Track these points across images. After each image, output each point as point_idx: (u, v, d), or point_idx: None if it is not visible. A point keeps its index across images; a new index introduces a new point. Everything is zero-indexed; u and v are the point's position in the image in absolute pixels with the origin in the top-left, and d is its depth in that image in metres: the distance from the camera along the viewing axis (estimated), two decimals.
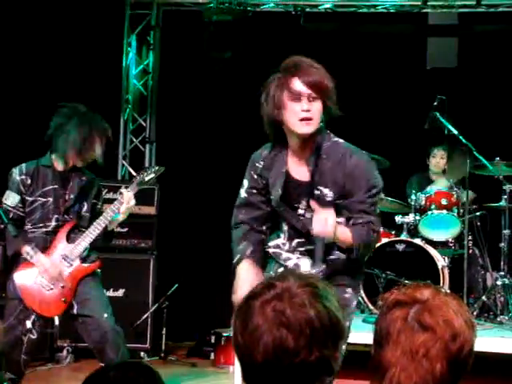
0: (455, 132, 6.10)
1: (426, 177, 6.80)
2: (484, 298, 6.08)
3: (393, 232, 6.20)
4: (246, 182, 3.33)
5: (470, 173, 6.17)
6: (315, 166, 3.10)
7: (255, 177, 3.27)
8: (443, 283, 5.75)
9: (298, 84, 3.00)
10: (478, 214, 6.30)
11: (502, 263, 6.01)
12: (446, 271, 5.87)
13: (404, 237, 6.07)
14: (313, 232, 3.00)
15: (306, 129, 3.03)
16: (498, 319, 5.81)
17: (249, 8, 7.01)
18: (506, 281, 5.95)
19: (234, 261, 3.28)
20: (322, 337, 1.57)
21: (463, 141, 6.04)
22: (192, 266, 7.09)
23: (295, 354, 1.54)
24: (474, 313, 5.94)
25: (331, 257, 3.18)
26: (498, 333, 5.44)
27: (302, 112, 2.99)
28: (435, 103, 6.16)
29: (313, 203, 3.02)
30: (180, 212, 7.26)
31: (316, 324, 1.57)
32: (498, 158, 6.06)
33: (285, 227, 3.25)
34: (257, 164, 3.27)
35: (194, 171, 7.31)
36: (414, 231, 6.17)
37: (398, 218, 6.25)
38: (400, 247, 5.97)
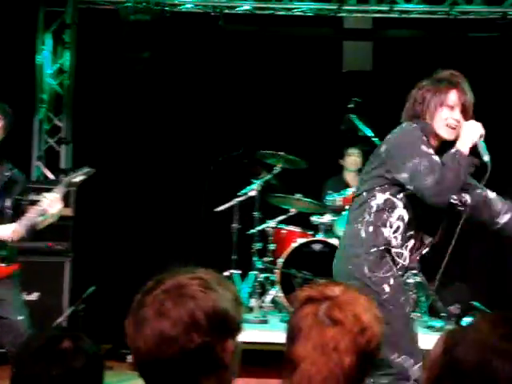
0: (369, 134, 6.24)
1: (342, 180, 6.92)
2: None
3: (309, 232, 6.29)
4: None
5: None
6: None
7: None
8: None
9: (454, 96, 3.32)
10: None
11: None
12: None
13: (320, 237, 6.15)
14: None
15: (449, 135, 3.32)
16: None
17: (166, 8, 6.98)
18: (418, 279, 6.12)
19: None
20: (203, 326, 1.60)
21: (376, 143, 6.18)
22: (109, 269, 7.01)
23: (174, 341, 1.57)
24: None
25: None
26: None
27: (451, 119, 3.30)
28: (351, 105, 6.29)
29: None
30: (97, 214, 7.16)
31: (198, 313, 1.60)
32: None
33: None
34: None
35: (111, 172, 7.23)
36: (330, 231, 6.27)
37: (315, 219, 6.34)
38: (316, 247, 6.06)
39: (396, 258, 3.32)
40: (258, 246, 6.34)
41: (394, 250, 3.30)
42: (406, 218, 3.31)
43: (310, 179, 6.77)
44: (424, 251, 3.48)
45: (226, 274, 6.21)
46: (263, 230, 6.37)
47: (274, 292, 6.04)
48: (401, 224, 3.30)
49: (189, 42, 7.34)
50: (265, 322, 5.61)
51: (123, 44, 6.89)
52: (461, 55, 7.27)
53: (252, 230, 6.34)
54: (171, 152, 7.39)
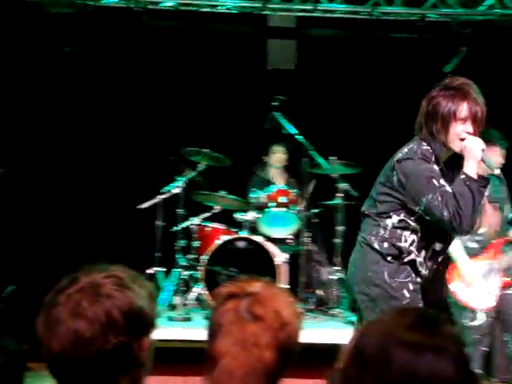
0: (293, 132, 6.30)
1: (266, 175, 6.95)
2: (319, 291, 6.33)
3: (233, 230, 6.30)
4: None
5: (307, 171, 6.40)
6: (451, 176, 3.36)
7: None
8: (280, 279, 5.90)
9: (466, 108, 3.25)
10: (314, 211, 6.53)
11: (336, 258, 6.27)
12: (284, 267, 6.03)
13: (244, 234, 6.17)
14: None
15: (460, 149, 3.29)
16: (333, 312, 6.06)
17: (89, 2, 6.86)
18: (340, 275, 6.22)
19: None
20: (120, 325, 1.58)
21: (300, 140, 6.25)
22: (29, 268, 6.85)
23: (90, 342, 1.55)
24: (310, 306, 6.18)
25: None
26: (331, 325, 5.68)
27: (464, 133, 3.25)
28: (275, 103, 6.34)
29: None
30: (16, 212, 6.99)
31: (114, 313, 1.58)
32: (333, 157, 6.31)
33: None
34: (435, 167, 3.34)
35: (29, 170, 7.07)
36: (254, 229, 6.30)
37: (239, 216, 6.35)
38: (240, 244, 6.07)
39: (419, 267, 3.38)
40: (181, 243, 6.31)
41: (418, 259, 3.37)
42: (420, 233, 3.37)
43: (235, 176, 6.78)
44: (439, 258, 3.50)
45: (149, 271, 6.16)
46: (187, 228, 6.35)
47: (198, 289, 6.03)
48: (415, 237, 3.37)
49: (112, 37, 7.23)
50: (188, 319, 5.59)
51: (44, 38, 6.74)
52: (382, 55, 7.42)
53: (176, 228, 6.31)
54: (92, 149, 7.27)
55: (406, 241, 3.35)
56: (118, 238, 6.95)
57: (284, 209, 6.30)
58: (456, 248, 5.14)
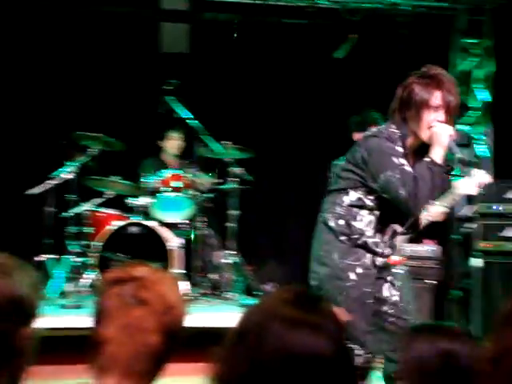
0: (187, 116, 6.27)
1: (160, 160, 6.90)
2: (213, 276, 6.36)
3: (126, 215, 6.22)
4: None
5: (202, 156, 6.40)
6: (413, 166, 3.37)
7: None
8: (174, 264, 5.88)
9: (439, 97, 3.29)
10: (208, 195, 6.54)
11: (230, 242, 6.31)
12: (178, 252, 6.01)
13: (137, 219, 6.11)
14: None
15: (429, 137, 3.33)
16: (226, 296, 6.10)
17: None
18: (234, 259, 6.26)
19: None
20: (1, 313, 1.54)
21: (193, 125, 6.24)
22: None
23: None
24: (205, 291, 6.20)
25: None
26: (225, 308, 5.72)
27: (435, 122, 3.29)
28: (168, 87, 6.29)
29: None
30: None
31: None
32: (227, 142, 6.33)
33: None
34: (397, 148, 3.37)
35: None
36: (147, 214, 6.24)
37: (131, 201, 6.28)
38: (133, 230, 6.00)
39: (374, 248, 3.39)
40: (73, 229, 6.17)
41: (370, 240, 3.38)
42: (378, 213, 3.39)
43: (127, 161, 6.69)
44: (399, 238, 3.53)
45: (38, 259, 6.00)
46: (79, 213, 6.22)
47: (91, 276, 5.92)
48: (372, 218, 3.39)
49: None
50: (79, 306, 5.49)
51: None
52: (275, 40, 7.48)
53: (66, 213, 6.17)
54: None
55: (361, 220, 3.38)
56: (5, 225, 6.73)
57: (178, 193, 6.26)
58: None
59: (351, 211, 3.38)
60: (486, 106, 7.46)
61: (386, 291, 3.46)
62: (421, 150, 3.37)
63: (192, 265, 6.26)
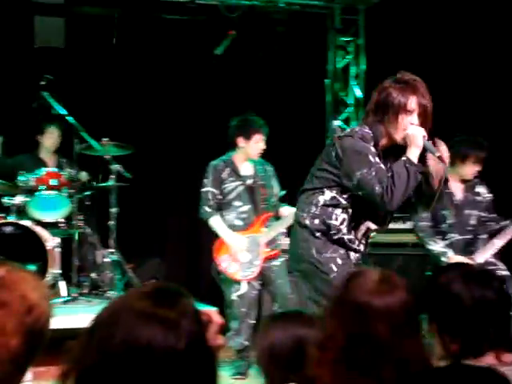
0: (63, 112, 6.13)
1: (36, 156, 6.71)
2: (94, 275, 6.26)
3: (1, 215, 6.01)
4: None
5: (79, 153, 6.27)
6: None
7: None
8: (52, 264, 5.75)
9: (414, 102, 3.44)
10: (87, 193, 6.42)
11: (110, 241, 6.22)
12: (56, 251, 5.87)
13: (12, 219, 5.92)
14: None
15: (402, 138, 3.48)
16: (107, 295, 6.01)
17: None
18: (114, 258, 6.18)
19: None
20: None
21: (70, 121, 6.11)
22: None
23: None
24: (85, 290, 6.09)
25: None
26: None
27: (409, 124, 3.44)
28: (43, 82, 6.12)
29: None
30: None
31: None
32: (105, 139, 6.22)
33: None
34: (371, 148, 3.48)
35: None
36: (23, 213, 6.06)
37: (6, 200, 6.07)
38: (8, 230, 5.81)
39: (350, 244, 3.53)
40: None
41: (345, 237, 3.51)
42: (351, 211, 3.51)
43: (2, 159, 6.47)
44: (372, 234, 3.68)
45: None
46: None
47: None
48: (346, 216, 3.51)
49: None
50: None
51: None
52: (155, 36, 7.42)
53: None
54: None
55: (336, 219, 3.51)
56: None
57: (55, 192, 6.11)
58: (218, 223, 5.31)
59: (326, 211, 3.52)
60: (360, 103, 7.71)
61: None
62: (390, 151, 3.54)
63: (71, 264, 6.13)
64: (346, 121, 7.73)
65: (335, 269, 3.47)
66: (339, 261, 3.49)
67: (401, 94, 3.46)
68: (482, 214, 5.28)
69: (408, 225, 5.87)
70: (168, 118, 7.55)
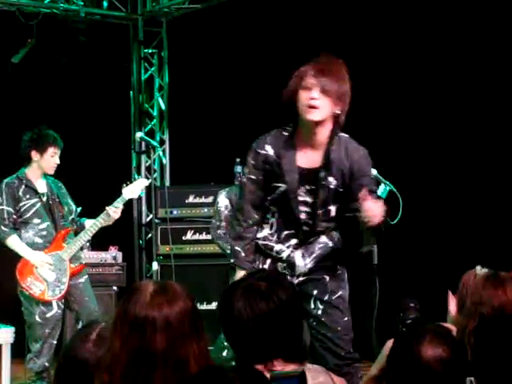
0: None
1: None
2: None
3: None
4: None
5: None
6: (324, 155, 3.40)
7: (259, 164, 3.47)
8: None
9: (310, 78, 3.32)
10: None
11: None
12: None
13: None
14: (372, 221, 3.16)
15: (311, 115, 3.32)
16: None
17: None
18: None
19: None
20: None
21: None
22: None
23: None
24: None
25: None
26: None
27: (310, 100, 3.29)
28: None
29: (364, 193, 3.20)
30: None
31: None
32: None
33: (272, 218, 3.49)
34: (261, 152, 3.44)
35: None
36: None
37: None
38: None
39: (276, 255, 3.50)
40: None
41: (275, 248, 3.50)
42: (277, 215, 3.51)
43: None
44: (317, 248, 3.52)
45: None
46: None
47: None
48: (274, 223, 3.52)
49: None
50: None
51: None
52: None
53: None
54: None
55: (271, 227, 3.55)
56: None
57: None
58: (16, 242, 5.11)
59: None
60: (164, 115, 7.75)
61: None
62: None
63: None
64: (151, 133, 7.71)
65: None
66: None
67: (297, 75, 3.41)
68: None
69: (208, 236, 5.97)
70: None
